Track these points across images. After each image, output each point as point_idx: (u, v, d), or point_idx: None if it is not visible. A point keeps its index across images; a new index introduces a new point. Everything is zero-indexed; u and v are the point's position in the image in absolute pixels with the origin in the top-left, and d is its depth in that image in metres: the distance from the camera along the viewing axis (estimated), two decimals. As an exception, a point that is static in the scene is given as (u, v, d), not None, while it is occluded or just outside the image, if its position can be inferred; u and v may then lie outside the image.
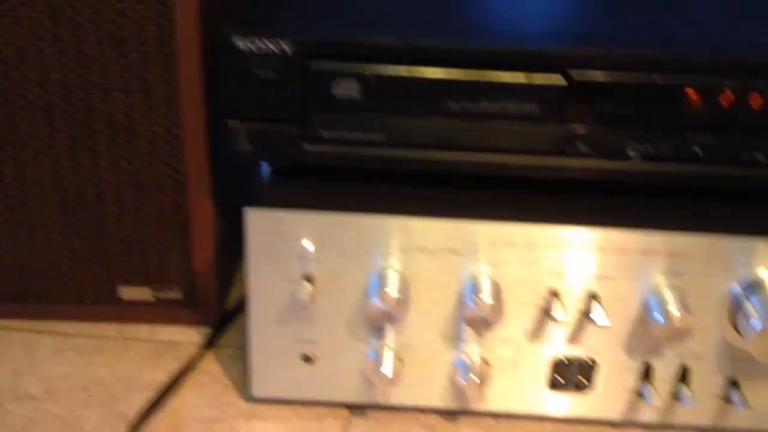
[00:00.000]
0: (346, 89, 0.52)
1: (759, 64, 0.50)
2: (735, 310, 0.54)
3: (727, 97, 0.50)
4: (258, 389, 0.61)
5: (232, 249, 0.64)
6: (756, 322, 0.51)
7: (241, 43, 0.50)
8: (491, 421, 0.62)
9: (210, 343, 0.69)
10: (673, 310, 0.52)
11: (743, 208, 0.57)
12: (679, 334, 0.53)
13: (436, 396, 0.60)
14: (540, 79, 0.51)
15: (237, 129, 0.54)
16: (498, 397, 0.60)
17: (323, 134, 0.53)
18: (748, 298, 0.53)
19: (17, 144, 0.62)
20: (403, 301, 0.54)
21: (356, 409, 0.62)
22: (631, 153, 0.53)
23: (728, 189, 0.55)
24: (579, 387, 0.59)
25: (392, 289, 0.54)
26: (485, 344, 0.58)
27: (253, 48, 0.50)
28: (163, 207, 0.64)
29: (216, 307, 0.70)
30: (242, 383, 0.63)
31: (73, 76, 0.59)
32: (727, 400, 0.58)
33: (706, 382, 0.57)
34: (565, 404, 0.60)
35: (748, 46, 0.53)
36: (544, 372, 0.59)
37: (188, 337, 0.70)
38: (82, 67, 0.59)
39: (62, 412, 0.61)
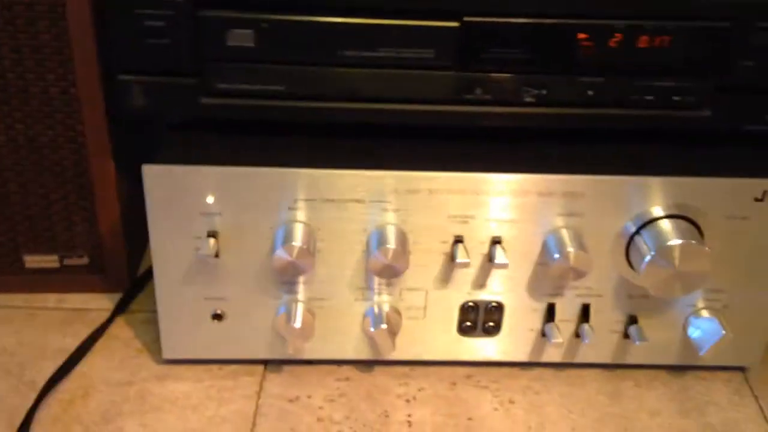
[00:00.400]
0: (241, 39, 0.51)
1: (647, 7, 0.52)
2: (629, 248, 0.55)
3: (616, 40, 0.52)
4: (169, 350, 0.61)
5: (142, 211, 0.62)
6: (648, 257, 0.53)
7: (127, -10, 0.49)
8: (406, 369, 0.63)
9: (120, 308, 0.68)
10: (571, 249, 0.54)
11: (636, 149, 0.58)
12: (577, 273, 0.55)
13: (350, 348, 0.61)
14: (436, 25, 0.51)
15: (129, 84, 0.52)
16: (411, 346, 0.61)
17: (219, 87, 0.53)
18: (641, 234, 0.54)
19: None
20: (310, 252, 0.54)
21: (271, 364, 0.62)
22: (527, 98, 0.54)
23: (621, 130, 0.57)
24: (488, 331, 0.60)
25: (298, 241, 0.54)
26: (395, 293, 0.58)
27: (139, -5, 0.49)
28: (63, 170, 0.63)
29: (126, 272, 0.69)
30: (155, 346, 0.63)
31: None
32: (627, 335, 0.60)
33: (607, 319, 0.60)
34: (475, 348, 0.61)
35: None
36: (454, 318, 0.60)
37: (99, 303, 0.69)
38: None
39: (-34, 382, 0.59)
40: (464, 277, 0.58)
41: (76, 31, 0.56)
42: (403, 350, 0.61)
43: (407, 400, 0.60)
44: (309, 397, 0.60)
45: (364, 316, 0.59)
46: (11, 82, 0.58)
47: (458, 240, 0.56)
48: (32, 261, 0.67)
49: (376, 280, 0.58)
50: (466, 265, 0.55)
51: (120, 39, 0.51)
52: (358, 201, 0.54)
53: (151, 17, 0.50)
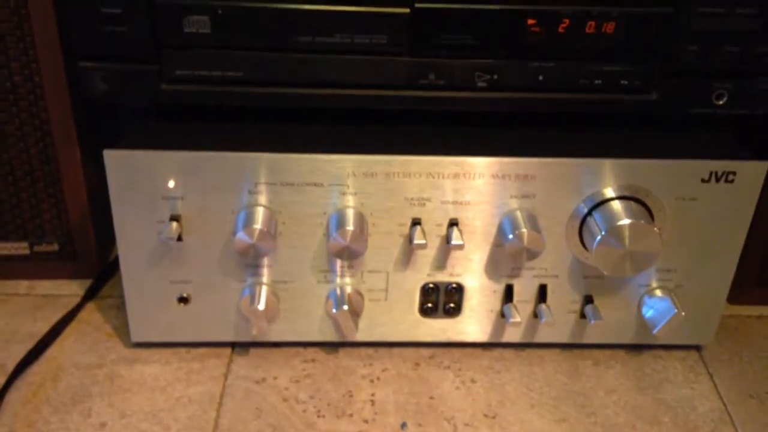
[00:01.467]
0: (197, 25, 0.52)
1: (594, -8, 0.53)
2: (582, 228, 0.57)
3: (564, 25, 0.53)
4: (137, 334, 0.62)
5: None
6: (599, 237, 0.54)
7: (83, -22, 0.50)
8: (370, 351, 0.64)
9: (91, 294, 0.69)
10: (524, 230, 0.55)
11: (587, 132, 0.60)
12: (531, 253, 0.56)
13: (315, 330, 0.62)
14: (387, 11, 0.52)
15: (90, 70, 0.53)
16: (374, 327, 0.62)
17: (178, 73, 0.54)
18: (592, 215, 0.56)
19: None
20: (270, 235, 0.55)
21: (239, 347, 0.63)
22: (480, 83, 0.55)
23: (572, 114, 0.58)
24: (448, 312, 0.62)
25: (258, 224, 0.55)
26: (357, 275, 0.60)
27: (95, -17, 0.50)
28: (30, 157, 0.63)
29: (96, 258, 0.70)
30: (124, 330, 0.64)
31: None
32: (583, 315, 0.61)
33: (563, 299, 0.61)
34: (437, 329, 0.63)
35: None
36: (415, 299, 0.61)
37: (69, 289, 0.70)
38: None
39: (-65, 367, 0.60)
40: (424, 259, 0.59)
41: (38, 19, 0.57)
42: (366, 332, 0.62)
43: (371, 380, 0.61)
44: (275, 378, 0.61)
45: (327, 298, 0.60)
46: (-25, 71, 0.59)
47: (416, 222, 0.57)
48: (2, 248, 0.68)
49: (338, 262, 0.59)
50: (423, 246, 0.56)
51: (79, 26, 0.52)
52: (317, 185, 0.55)
53: (108, 4, 0.51)
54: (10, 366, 0.60)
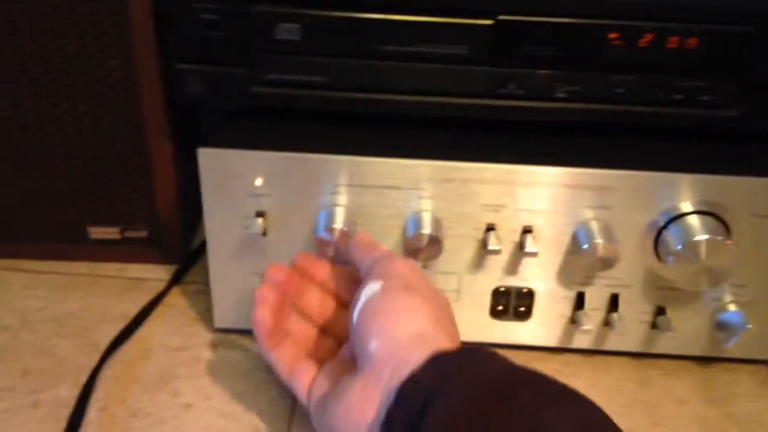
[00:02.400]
0: (288, 32, 0.54)
1: (677, 8, 0.53)
2: (657, 241, 0.57)
3: (647, 40, 0.53)
4: (220, 320, 0.65)
5: (199, 190, 0.67)
6: (675, 251, 0.55)
7: (185, -15, 0.53)
8: (439, 349, 0.66)
9: (176, 279, 0.72)
10: (599, 240, 0.56)
11: (665, 145, 0.60)
12: (605, 264, 0.57)
13: (386, 325, 0.64)
14: (470, 22, 0.54)
15: (186, 72, 0.56)
16: (444, 326, 0.64)
17: (268, 77, 0.56)
18: (668, 229, 0.56)
19: (-18, 90, 0.64)
20: (349, 235, 0.57)
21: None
22: (559, 94, 0.56)
23: (651, 127, 0.58)
24: (519, 315, 0.63)
25: (338, 224, 0.57)
26: (429, 276, 0.61)
27: (195, -10, 0.53)
28: (124, 150, 0.67)
29: (181, 246, 0.73)
30: (207, 316, 0.67)
31: (23, 19, 0.61)
32: (654, 326, 0.62)
33: (635, 309, 0.61)
34: (507, 332, 0.64)
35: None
36: (486, 301, 0.62)
37: (156, 274, 0.73)
38: (34, 8, 0.60)
39: (37, 341, 0.64)
40: (496, 264, 0.60)
41: (138, 19, 0.60)
42: (436, 330, 0.64)
43: (439, 377, 0.63)
44: (347, 369, 0.63)
45: (400, 296, 0.62)
46: (76, 67, 0.63)
47: (490, 228, 0.58)
48: (96, 232, 0.72)
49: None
50: (497, 252, 0.57)
51: (178, 30, 0.55)
52: (395, 188, 0.57)
53: (206, 11, 0.53)
54: (103, 344, 0.64)
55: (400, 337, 0.44)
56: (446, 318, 0.47)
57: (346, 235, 0.57)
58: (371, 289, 0.47)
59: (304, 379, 0.52)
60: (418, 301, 0.45)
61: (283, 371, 0.54)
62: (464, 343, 0.64)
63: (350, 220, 0.58)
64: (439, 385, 0.39)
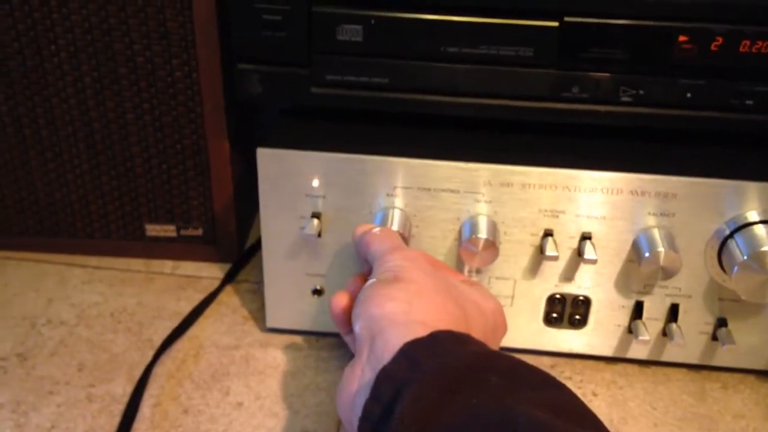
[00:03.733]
0: (350, 33, 0.54)
1: (750, 10, 0.51)
2: (722, 251, 0.56)
3: (718, 43, 0.52)
4: (272, 320, 0.65)
5: (253, 189, 0.67)
6: (740, 262, 0.53)
7: (248, -12, 0.53)
8: (491, 355, 0.65)
9: (229, 278, 0.73)
10: (661, 249, 0.54)
11: (733, 152, 0.58)
12: (666, 273, 0.55)
13: (439, 330, 0.64)
14: (536, 24, 0.53)
15: (248, 72, 0.57)
16: (497, 332, 0.63)
17: (329, 78, 0.56)
18: (734, 238, 0.54)
19: (47, 87, 0.66)
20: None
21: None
22: (624, 97, 0.54)
23: (718, 133, 0.57)
24: (574, 323, 0.62)
25: (395, 226, 0.57)
26: (484, 281, 0.61)
27: (259, -8, 0.53)
28: (183, 148, 0.68)
29: (235, 244, 0.74)
30: (259, 315, 0.67)
31: (94, 19, 0.62)
32: (715, 338, 0.60)
33: (695, 320, 0.60)
34: (561, 339, 0.63)
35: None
36: (541, 308, 0.61)
37: (210, 272, 0.74)
38: (102, 8, 0.62)
39: (92, 336, 0.65)
40: (553, 270, 0.59)
41: (201, 20, 0.61)
42: (489, 336, 0.63)
43: (491, 384, 0.62)
44: (397, 373, 0.63)
45: (454, 300, 0.61)
46: (141, 66, 0.64)
47: (548, 233, 0.57)
48: (152, 230, 0.73)
49: (467, 267, 0.60)
50: (554, 258, 0.56)
51: (240, 31, 0.55)
52: (452, 191, 0.57)
53: (269, 11, 0.54)
54: (157, 341, 0.65)
55: (374, 316, 0.45)
56: (441, 298, 0.47)
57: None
58: (366, 285, 0.49)
59: None
60: (399, 286, 0.46)
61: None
62: (516, 351, 0.64)
63: (406, 222, 0.58)
64: (410, 375, 0.40)
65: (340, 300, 0.52)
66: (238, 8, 0.54)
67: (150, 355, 0.63)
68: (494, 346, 0.48)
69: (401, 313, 0.44)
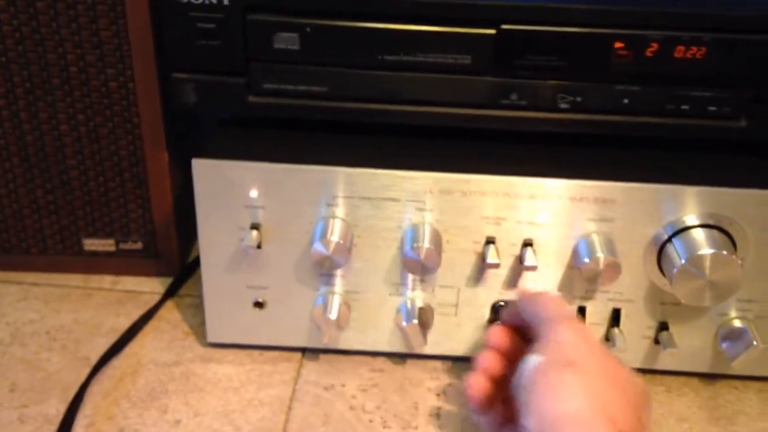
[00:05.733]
0: (286, 42, 0.53)
1: (684, 17, 0.52)
2: (661, 255, 0.56)
3: (653, 49, 0.52)
4: (213, 335, 0.64)
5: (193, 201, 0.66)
6: (679, 266, 0.53)
7: (180, -5, 0.52)
8: (438, 364, 0.65)
9: (171, 292, 0.71)
10: (600, 254, 0.54)
11: (670, 156, 0.59)
12: (606, 278, 0.55)
13: (384, 341, 0.63)
14: (473, 31, 0.53)
15: (182, 81, 0.55)
16: (443, 341, 0.63)
17: (266, 86, 0.55)
18: (673, 242, 0.55)
19: (-24, 98, 0.63)
20: (346, 247, 0.56)
21: (309, 352, 0.65)
22: (562, 104, 0.55)
23: (656, 138, 0.57)
24: (519, 331, 0.62)
25: (335, 236, 0.56)
26: (428, 290, 0.60)
27: None
28: (120, 160, 0.66)
29: (177, 258, 0.72)
30: (201, 330, 0.66)
31: (26, 29, 0.60)
32: (657, 341, 0.60)
33: (637, 324, 0.60)
34: (506, 347, 0.63)
35: (674, -1, 0.55)
36: (485, 315, 0.61)
37: (151, 287, 0.72)
38: (33, 18, 0.60)
39: (27, 354, 0.63)
40: (496, 277, 0.59)
41: (135, 29, 0.60)
42: (435, 345, 0.63)
43: (437, 394, 0.62)
44: (343, 385, 0.62)
45: (398, 310, 0.61)
46: (74, 76, 0.62)
47: (490, 241, 0.57)
48: (90, 244, 0.71)
49: (411, 276, 0.59)
50: (496, 266, 0.56)
51: (174, 39, 0.54)
52: (393, 200, 0.56)
53: (203, 20, 0.53)
54: (94, 359, 0.63)
55: (549, 416, 0.41)
56: (619, 395, 0.43)
57: (341, 248, 0.56)
58: (531, 362, 0.44)
59: None
60: (577, 379, 0.42)
61: None
62: (462, 359, 0.64)
63: (347, 232, 0.57)
64: None
65: (479, 385, 0.49)
66: (170, 16, 0.53)
67: (86, 373, 0.61)
68: (647, 422, 0.45)
69: (583, 413, 0.41)
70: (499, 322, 0.54)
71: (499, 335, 0.51)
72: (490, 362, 0.50)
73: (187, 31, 0.53)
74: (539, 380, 0.43)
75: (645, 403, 0.45)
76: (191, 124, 0.72)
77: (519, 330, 0.52)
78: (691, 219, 0.55)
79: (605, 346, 0.47)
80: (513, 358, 0.50)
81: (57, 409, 0.58)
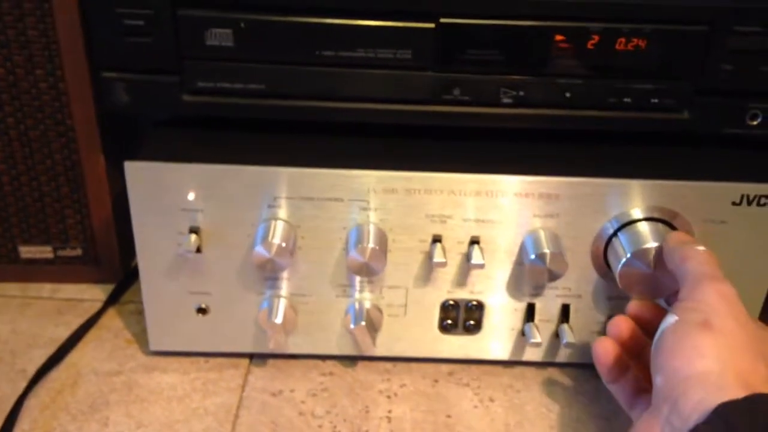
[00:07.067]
0: (220, 38, 0.52)
1: (625, 8, 0.51)
2: (607, 249, 0.56)
3: (594, 42, 0.51)
4: (156, 343, 0.62)
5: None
6: (623, 260, 0.53)
7: (105, -11, 0.50)
8: (389, 365, 0.63)
9: (112, 300, 0.69)
10: (546, 250, 0.54)
11: (614, 150, 0.58)
12: (552, 274, 0.55)
13: (333, 344, 0.62)
14: (412, 25, 0.51)
15: (112, 81, 0.53)
16: (393, 342, 0.61)
17: (200, 85, 0.53)
18: (618, 237, 0.54)
19: None
20: (288, 249, 0.55)
21: (256, 358, 0.63)
22: (505, 99, 0.54)
23: (599, 132, 0.57)
24: (468, 329, 0.61)
25: (277, 238, 0.54)
26: (376, 291, 0.59)
27: (118, -6, 0.50)
28: (54, 164, 0.64)
29: (118, 264, 0.70)
30: (144, 337, 0.64)
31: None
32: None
33: (586, 319, 0.60)
34: (457, 346, 0.62)
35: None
36: (435, 315, 0.60)
37: (92, 294, 0.70)
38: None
39: (-42, 370, 0.61)
40: (444, 276, 0.58)
41: (64, 28, 0.57)
42: (385, 347, 0.61)
43: (388, 396, 0.61)
44: (292, 391, 0.61)
45: (346, 312, 0.60)
46: (1, 77, 0.59)
47: (436, 239, 0.56)
48: (27, 251, 0.68)
49: (357, 277, 0.58)
50: (442, 264, 0.55)
51: (102, 37, 0.52)
52: (336, 200, 0.55)
53: (131, 16, 0.50)
54: (31, 371, 0.61)
55: (680, 374, 0.41)
56: (758, 360, 0.42)
57: (283, 250, 0.54)
58: (667, 322, 0.44)
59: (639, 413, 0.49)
60: (710, 339, 0.42)
61: (624, 404, 0.51)
62: (413, 360, 0.63)
63: (290, 234, 0.55)
64: None
65: (607, 348, 0.49)
66: (96, 13, 0.51)
67: (23, 386, 0.59)
68: None
69: (713, 374, 0.40)
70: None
71: (639, 308, 0.52)
72: (621, 326, 0.50)
73: (115, 28, 0.51)
74: (672, 338, 0.43)
75: None
76: (133, 127, 0.69)
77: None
78: (636, 212, 0.55)
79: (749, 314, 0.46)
80: (650, 327, 0.50)
81: (-10, 426, 0.55)
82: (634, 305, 0.52)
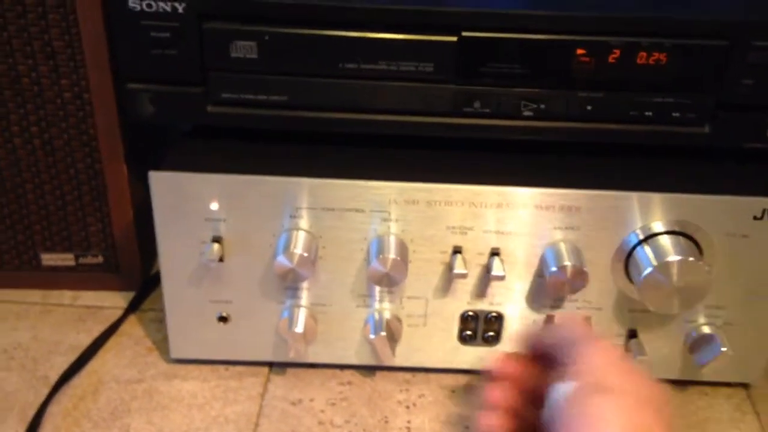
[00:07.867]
0: (244, 50, 0.52)
1: (645, 23, 0.52)
2: (628, 262, 0.56)
3: (615, 56, 0.52)
4: (177, 350, 0.62)
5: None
6: (645, 273, 0.53)
7: (132, 2, 0.50)
8: (408, 376, 0.64)
9: (133, 307, 0.70)
10: (567, 263, 0.54)
11: (635, 163, 0.58)
12: (573, 287, 0.55)
13: (352, 353, 0.62)
14: (434, 39, 0.52)
15: (137, 92, 0.54)
16: (412, 353, 0.62)
17: (224, 96, 0.54)
18: (639, 250, 0.54)
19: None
20: (310, 259, 0.55)
21: (276, 367, 0.64)
22: (526, 112, 0.54)
23: (620, 145, 0.57)
24: (488, 340, 0.61)
25: (299, 249, 0.55)
26: (395, 301, 0.59)
27: (144, 7, 0.50)
28: (77, 172, 0.64)
29: (139, 271, 0.70)
30: (164, 345, 0.64)
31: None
32: (627, 349, 0.60)
33: (607, 332, 0.60)
34: (476, 357, 0.62)
35: (635, 5, 0.54)
36: (454, 326, 0.60)
37: (112, 301, 0.71)
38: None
39: (-19, 376, 0.61)
40: (464, 287, 0.58)
41: (89, 39, 0.58)
42: (404, 357, 0.62)
43: (407, 407, 0.61)
44: (311, 400, 0.61)
45: (365, 322, 0.60)
46: (26, 87, 0.60)
47: (457, 251, 0.56)
48: (49, 259, 0.69)
49: (377, 288, 0.58)
50: (463, 276, 0.55)
51: (127, 49, 0.53)
52: (358, 210, 0.55)
53: (157, 29, 0.51)
54: (53, 378, 0.61)
55: None
56: (656, 417, 0.40)
57: (305, 260, 0.54)
58: (562, 390, 0.41)
59: None
60: (613, 405, 0.39)
61: None
62: (431, 370, 0.63)
63: (312, 244, 0.56)
64: None
65: (494, 422, 0.45)
66: (122, 26, 0.51)
67: (45, 393, 0.59)
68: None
69: None
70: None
71: (507, 363, 0.47)
72: (500, 395, 0.46)
73: (140, 41, 0.51)
74: (573, 410, 0.40)
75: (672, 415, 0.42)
76: (159, 137, 0.70)
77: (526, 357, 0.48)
78: (657, 226, 0.55)
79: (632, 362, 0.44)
80: (525, 386, 0.46)
81: (15, 431, 0.56)
82: (503, 363, 0.47)
